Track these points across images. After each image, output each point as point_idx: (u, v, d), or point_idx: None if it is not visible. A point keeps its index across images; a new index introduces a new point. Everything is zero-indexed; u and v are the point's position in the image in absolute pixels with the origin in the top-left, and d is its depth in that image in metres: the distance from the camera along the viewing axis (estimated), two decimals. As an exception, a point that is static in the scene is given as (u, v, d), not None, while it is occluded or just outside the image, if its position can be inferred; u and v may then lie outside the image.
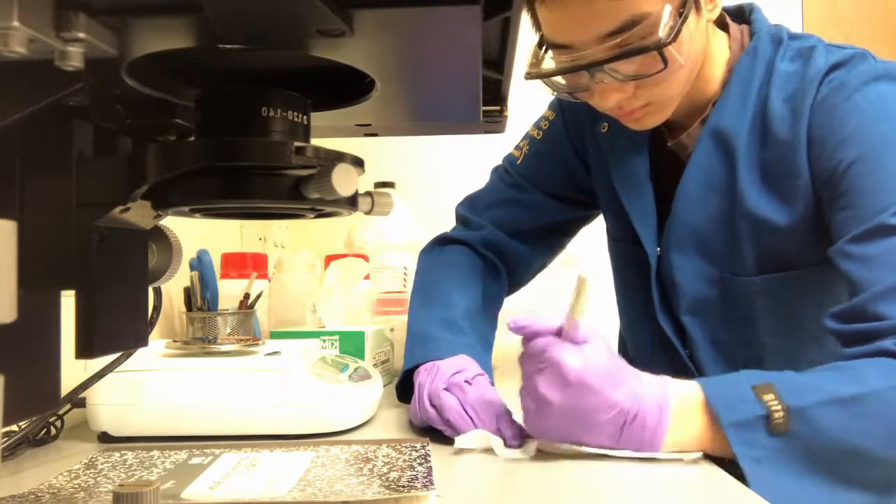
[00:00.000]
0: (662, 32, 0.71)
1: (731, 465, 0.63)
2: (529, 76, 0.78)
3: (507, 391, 0.75)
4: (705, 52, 0.82)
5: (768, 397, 0.63)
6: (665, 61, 0.73)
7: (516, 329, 0.67)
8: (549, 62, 0.79)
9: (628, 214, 0.94)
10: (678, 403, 0.65)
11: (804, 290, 0.85)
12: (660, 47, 0.71)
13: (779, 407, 0.62)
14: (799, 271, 0.83)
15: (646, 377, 0.66)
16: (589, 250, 1.21)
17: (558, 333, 0.65)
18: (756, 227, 0.82)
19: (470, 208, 1.05)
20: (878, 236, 0.70)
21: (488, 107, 0.44)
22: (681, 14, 0.72)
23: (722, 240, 0.85)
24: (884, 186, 0.71)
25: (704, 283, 0.88)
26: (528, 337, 0.67)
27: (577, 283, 0.64)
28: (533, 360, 0.65)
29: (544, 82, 0.78)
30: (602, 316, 1.26)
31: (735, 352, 0.90)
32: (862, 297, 0.70)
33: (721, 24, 0.88)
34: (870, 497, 0.65)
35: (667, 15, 0.72)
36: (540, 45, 0.79)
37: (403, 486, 0.56)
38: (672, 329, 0.94)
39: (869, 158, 0.72)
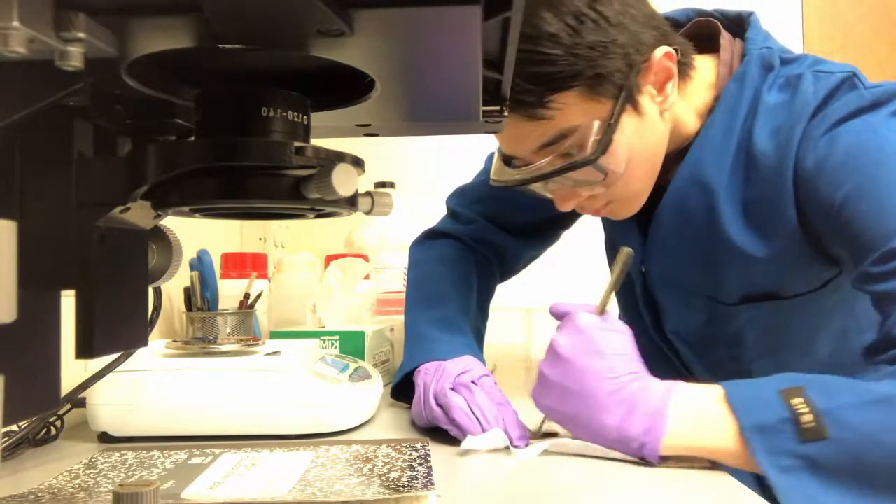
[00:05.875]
0: (589, 149, 0.71)
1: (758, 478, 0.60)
2: (494, 183, 0.80)
3: (508, 390, 0.75)
4: (665, 137, 0.79)
5: (796, 400, 0.58)
6: (604, 171, 0.74)
7: (555, 312, 0.72)
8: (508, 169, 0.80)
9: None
10: (689, 394, 0.64)
11: (792, 316, 0.83)
12: (587, 163, 0.72)
13: (806, 409, 0.57)
14: (785, 301, 0.81)
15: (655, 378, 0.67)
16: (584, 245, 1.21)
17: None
18: (738, 260, 0.79)
19: (460, 201, 1.05)
20: (889, 261, 0.66)
21: (488, 107, 0.44)
22: (609, 127, 0.71)
23: (702, 269, 0.83)
24: (883, 214, 0.68)
25: (689, 308, 0.87)
26: (560, 316, 0.71)
27: (619, 255, 0.69)
28: (558, 328, 0.70)
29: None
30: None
31: (725, 365, 0.89)
32: (888, 324, 0.66)
33: (711, 38, 0.84)
34: None
35: (594, 130, 0.71)
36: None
37: (403, 486, 0.56)
38: (663, 343, 0.94)
39: (863, 190, 0.69)
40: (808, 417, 0.57)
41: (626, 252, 0.68)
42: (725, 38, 0.84)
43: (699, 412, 0.63)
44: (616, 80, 0.71)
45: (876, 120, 0.71)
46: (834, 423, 0.57)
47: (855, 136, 0.71)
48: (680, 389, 0.65)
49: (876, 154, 0.69)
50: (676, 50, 0.76)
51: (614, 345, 0.67)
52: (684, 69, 0.79)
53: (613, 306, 0.71)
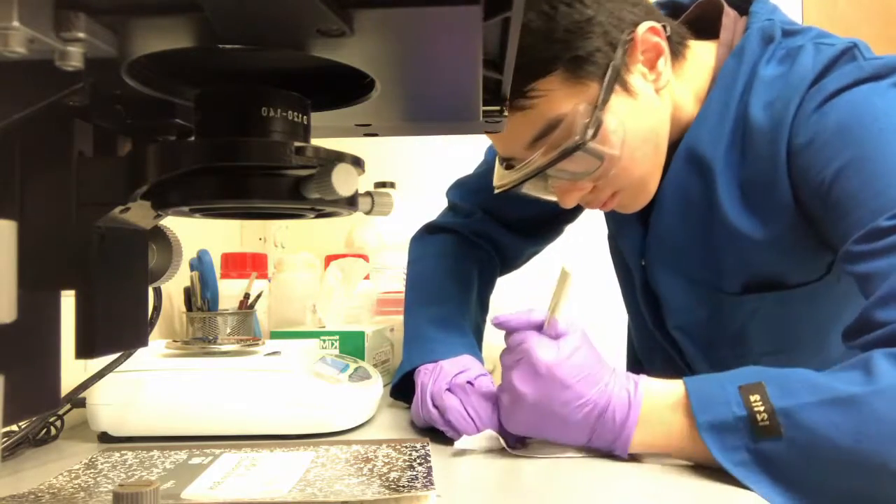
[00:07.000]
0: (578, 134, 0.69)
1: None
2: (498, 190, 0.79)
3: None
4: (666, 117, 0.77)
5: (753, 398, 0.58)
6: (599, 157, 0.72)
7: (498, 324, 0.69)
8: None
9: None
10: (652, 401, 0.64)
11: (797, 308, 0.80)
12: (578, 148, 0.70)
13: (762, 407, 0.58)
14: (788, 291, 0.78)
15: (621, 373, 0.66)
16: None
17: (539, 328, 0.66)
18: (738, 246, 0.77)
19: (459, 193, 1.04)
20: (875, 240, 0.63)
21: (488, 107, 0.44)
22: (597, 109, 0.70)
23: (703, 258, 0.81)
24: (874, 189, 0.64)
25: (691, 302, 0.85)
26: (509, 332, 0.68)
27: (560, 275, 0.65)
28: (510, 354, 0.67)
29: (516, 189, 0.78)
30: (603, 312, 1.27)
31: (730, 364, 0.87)
32: (867, 305, 0.63)
33: (713, 20, 0.82)
34: None
35: (582, 114, 0.70)
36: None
37: (403, 486, 0.56)
38: (665, 340, 0.92)
39: (855, 163, 0.65)
40: (763, 416, 0.57)
41: (566, 273, 0.65)
42: (729, 16, 0.81)
43: (663, 421, 0.63)
44: (598, 60, 0.70)
45: (873, 91, 0.67)
46: (789, 422, 0.57)
47: (849, 108, 0.67)
48: (645, 398, 0.64)
49: (870, 126, 0.65)
50: (664, 26, 0.74)
51: (575, 367, 0.63)
52: (677, 47, 0.78)
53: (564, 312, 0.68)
